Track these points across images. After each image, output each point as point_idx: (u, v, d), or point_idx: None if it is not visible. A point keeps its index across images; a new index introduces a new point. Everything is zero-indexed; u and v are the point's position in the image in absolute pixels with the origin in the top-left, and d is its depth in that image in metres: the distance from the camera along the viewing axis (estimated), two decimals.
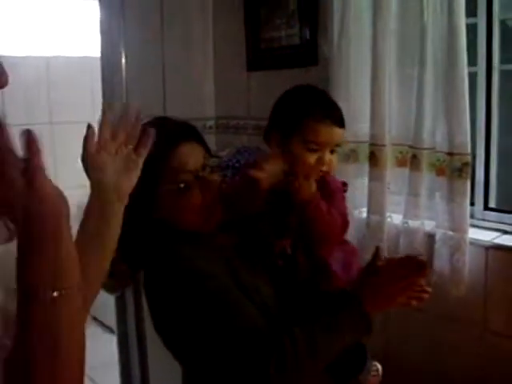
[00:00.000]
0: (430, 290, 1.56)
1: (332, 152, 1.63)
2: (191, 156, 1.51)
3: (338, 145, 1.65)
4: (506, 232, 2.24)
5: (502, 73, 2.31)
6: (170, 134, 1.51)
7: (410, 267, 1.52)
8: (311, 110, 1.61)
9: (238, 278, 1.46)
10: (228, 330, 1.36)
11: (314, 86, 1.75)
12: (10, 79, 0.85)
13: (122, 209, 1.22)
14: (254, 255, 1.61)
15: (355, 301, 1.46)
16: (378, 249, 1.62)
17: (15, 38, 4.39)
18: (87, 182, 1.21)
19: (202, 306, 1.38)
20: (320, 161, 1.60)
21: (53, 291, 0.82)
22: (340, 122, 1.63)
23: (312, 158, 1.60)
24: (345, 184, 1.78)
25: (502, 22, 2.33)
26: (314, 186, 1.58)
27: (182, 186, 1.48)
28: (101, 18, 2.97)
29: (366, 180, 2.36)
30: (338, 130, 1.62)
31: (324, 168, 1.61)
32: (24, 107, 4.34)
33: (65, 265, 0.85)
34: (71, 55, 4.59)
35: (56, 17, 4.52)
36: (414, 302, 1.55)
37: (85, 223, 1.20)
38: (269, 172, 1.53)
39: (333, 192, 1.67)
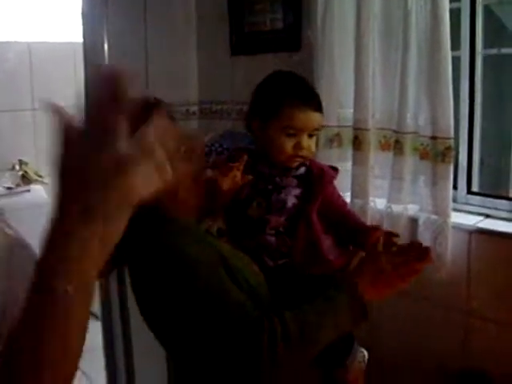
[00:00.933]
0: (432, 261, 1.50)
1: (311, 136, 1.64)
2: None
3: (316, 129, 1.67)
4: (488, 216, 2.26)
5: (486, 57, 2.32)
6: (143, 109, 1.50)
7: (411, 253, 1.48)
8: (287, 96, 1.64)
9: (227, 263, 1.44)
10: (217, 316, 1.34)
11: (293, 72, 1.77)
12: None
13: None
14: (243, 237, 1.62)
15: (352, 287, 1.42)
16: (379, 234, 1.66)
17: None
18: None
19: (191, 292, 1.36)
20: (298, 145, 1.63)
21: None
22: (317, 107, 1.65)
23: (289, 143, 1.63)
24: (336, 169, 1.79)
25: (486, 7, 2.33)
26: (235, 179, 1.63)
27: None
28: (83, 4, 2.93)
29: (349, 164, 2.36)
30: (314, 115, 1.64)
31: (303, 153, 1.63)
32: (6, 93, 4.29)
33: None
34: (54, 41, 4.54)
35: (38, 1, 4.46)
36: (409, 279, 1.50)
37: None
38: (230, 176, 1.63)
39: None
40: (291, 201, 1.66)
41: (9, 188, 4.12)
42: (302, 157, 1.66)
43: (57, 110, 0.72)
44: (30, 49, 4.46)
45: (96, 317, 3.19)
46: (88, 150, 0.69)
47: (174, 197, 1.48)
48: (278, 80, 1.72)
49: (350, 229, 1.76)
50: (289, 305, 1.40)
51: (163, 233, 1.45)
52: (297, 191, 1.68)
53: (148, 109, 0.73)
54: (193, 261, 1.39)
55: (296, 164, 1.68)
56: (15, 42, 4.38)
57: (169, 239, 1.44)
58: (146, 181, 0.72)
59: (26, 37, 4.45)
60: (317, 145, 2.30)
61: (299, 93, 1.65)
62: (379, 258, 1.48)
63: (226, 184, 1.62)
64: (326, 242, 1.68)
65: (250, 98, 1.75)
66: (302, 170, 1.71)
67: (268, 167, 1.68)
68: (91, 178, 0.69)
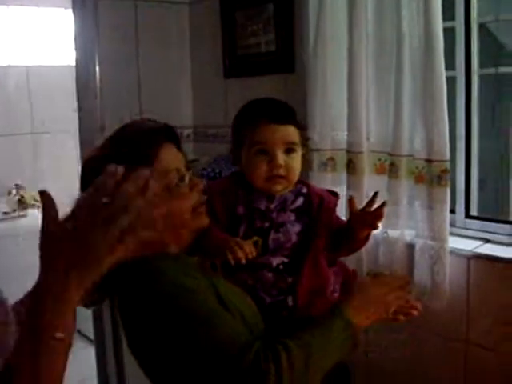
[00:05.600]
0: (419, 307, 1.53)
1: (289, 153, 1.55)
2: (175, 157, 1.46)
3: (292, 143, 1.56)
4: (488, 241, 2.18)
5: (483, 77, 2.26)
6: (152, 134, 1.45)
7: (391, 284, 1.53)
8: (248, 116, 1.58)
9: (220, 296, 1.38)
10: (217, 347, 1.28)
11: (266, 97, 1.67)
12: None
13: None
14: (238, 272, 1.54)
15: (336, 310, 1.42)
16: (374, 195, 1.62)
17: None
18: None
19: (186, 323, 1.30)
20: (272, 163, 1.53)
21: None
22: (284, 120, 1.55)
23: (263, 163, 1.53)
24: (335, 194, 1.72)
25: (482, 26, 2.27)
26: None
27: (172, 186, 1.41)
28: (75, 27, 2.91)
29: (344, 188, 2.30)
30: (281, 127, 1.54)
31: (279, 171, 1.53)
32: (5, 117, 4.28)
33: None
34: (52, 64, 4.53)
35: (36, 25, 4.46)
36: (402, 318, 1.52)
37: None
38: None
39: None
40: (292, 240, 1.56)
41: (5, 213, 4.08)
42: (280, 176, 1.54)
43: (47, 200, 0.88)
44: (28, 72, 4.45)
45: (89, 340, 3.16)
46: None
47: (168, 227, 1.43)
48: (243, 108, 1.65)
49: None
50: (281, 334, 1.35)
51: (153, 263, 1.38)
52: (297, 227, 1.58)
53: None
54: (186, 290, 1.33)
55: (279, 188, 1.56)
56: (13, 66, 4.38)
57: (159, 269, 1.38)
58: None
59: (24, 60, 4.44)
60: (308, 166, 2.26)
61: (260, 110, 1.58)
62: (367, 285, 1.53)
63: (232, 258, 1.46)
64: (332, 281, 1.61)
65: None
66: (300, 201, 1.61)
67: (265, 200, 1.58)
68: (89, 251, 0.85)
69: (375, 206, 1.59)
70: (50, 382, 0.87)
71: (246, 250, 1.45)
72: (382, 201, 1.60)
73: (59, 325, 0.86)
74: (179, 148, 1.50)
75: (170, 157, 1.44)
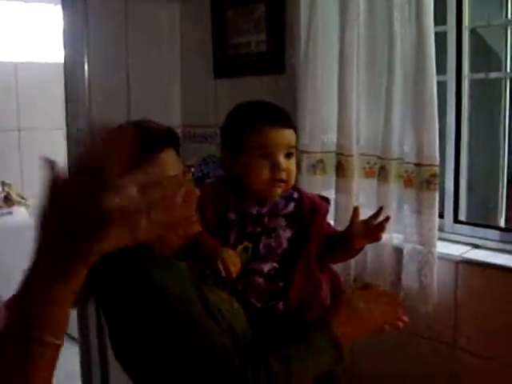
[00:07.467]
0: (407, 319, 1.51)
1: (288, 157, 1.54)
2: (175, 162, 1.42)
3: (291, 147, 1.55)
4: (476, 246, 2.19)
5: (473, 81, 2.26)
6: (154, 138, 1.40)
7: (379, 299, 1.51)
8: (250, 119, 1.54)
9: (208, 305, 1.37)
10: (198, 358, 1.26)
11: (257, 100, 1.65)
12: None
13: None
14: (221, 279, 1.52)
15: (323, 323, 1.40)
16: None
17: None
18: None
19: (169, 330, 1.28)
20: (275, 167, 1.50)
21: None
22: (285, 124, 1.54)
23: (265, 166, 1.51)
24: (327, 199, 1.71)
25: (473, 31, 2.27)
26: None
27: None
28: (64, 24, 2.88)
29: (333, 191, 2.29)
30: (283, 131, 1.53)
31: (281, 175, 1.51)
32: None
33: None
34: (40, 61, 4.49)
35: (24, 22, 4.42)
36: (387, 328, 1.50)
37: None
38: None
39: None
40: (283, 245, 1.55)
41: None
42: (282, 180, 1.52)
43: (50, 165, 0.74)
44: (16, 69, 4.42)
45: (73, 338, 3.13)
46: (73, 202, 0.72)
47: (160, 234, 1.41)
48: (238, 111, 1.62)
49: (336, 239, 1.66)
50: (271, 346, 1.33)
51: (142, 266, 1.36)
52: (288, 233, 1.56)
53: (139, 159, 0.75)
54: (172, 297, 1.31)
55: (279, 191, 1.54)
56: (1, 62, 4.34)
57: (147, 273, 1.35)
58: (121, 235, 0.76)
59: (12, 57, 4.41)
60: (298, 170, 2.25)
61: (261, 113, 1.55)
62: (355, 299, 1.48)
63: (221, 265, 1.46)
64: (324, 287, 1.60)
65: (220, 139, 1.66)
66: (292, 206, 1.58)
67: (256, 206, 1.55)
68: (73, 229, 0.73)
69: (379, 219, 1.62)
70: None
71: (237, 267, 1.45)
72: (386, 215, 1.62)
73: (47, 323, 0.78)
74: (178, 153, 1.48)
75: (169, 162, 1.40)
